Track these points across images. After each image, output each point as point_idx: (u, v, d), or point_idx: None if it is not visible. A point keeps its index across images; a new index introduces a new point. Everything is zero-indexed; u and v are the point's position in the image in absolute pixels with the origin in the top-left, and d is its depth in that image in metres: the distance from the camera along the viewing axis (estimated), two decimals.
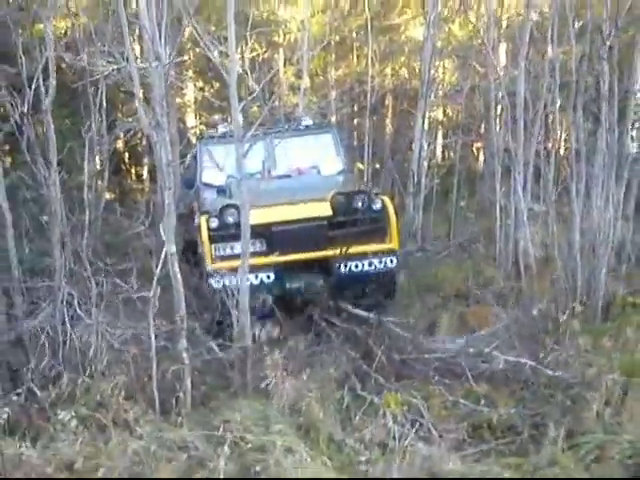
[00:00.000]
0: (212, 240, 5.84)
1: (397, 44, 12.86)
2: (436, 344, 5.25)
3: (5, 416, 3.87)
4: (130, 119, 14.73)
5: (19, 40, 6.26)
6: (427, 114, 10.08)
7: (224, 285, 5.36)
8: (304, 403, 3.92)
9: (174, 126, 10.97)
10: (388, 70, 13.29)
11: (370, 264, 5.88)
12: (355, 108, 14.62)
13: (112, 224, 8.71)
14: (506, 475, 3.06)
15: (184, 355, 4.39)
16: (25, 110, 5.92)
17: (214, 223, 5.90)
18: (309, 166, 6.94)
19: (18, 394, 4.32)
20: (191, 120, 15.12)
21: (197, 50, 12.72)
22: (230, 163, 6.49)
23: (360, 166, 10.72)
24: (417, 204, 9.02)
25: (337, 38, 12.53)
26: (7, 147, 8.91)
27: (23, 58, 6.22)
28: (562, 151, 7.61)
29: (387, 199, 6.09)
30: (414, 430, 3.53)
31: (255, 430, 3.66)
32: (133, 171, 16.87)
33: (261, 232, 5.70)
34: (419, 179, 8.97)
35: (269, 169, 6.73)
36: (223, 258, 5.76)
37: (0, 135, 6.96)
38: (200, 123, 15.53)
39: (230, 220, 5.83)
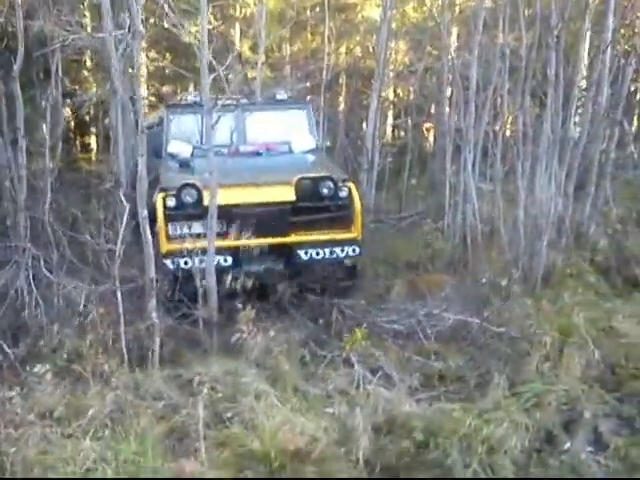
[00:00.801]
0: (168, 219, 5.63)
1: (352, 23, 13.11)
2: (388, 310, 5.65)
3: None
4: (77, 87, 14.62)
5: None
6: (381, 93, 10.40)
7: (179, 266, 5.37)
8: (271, 357, 4.26)
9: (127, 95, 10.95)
10: (343, 49, 13.59)
11: (332, 252, 5.81)
12: (309, 85, 14.92)
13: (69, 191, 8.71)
14: (455, 414, 3.45)
15: (153, 314, 4.63)
16: None
17: (171, 202, 5.71)
18: (280, 142, 6.74)
19: None
20: (142, 91, 15.04)
21: (151, 21, 12.71)
22: (197, 134, 6.61)
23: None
24: (370, 180, 9.38)
25: (293, 14, 12.73)
26: None
27: None
28: (509, 133, 8.07)
29: (353, 186, 5.98)
30: (376, 377, 3.89)
31: (226, 381, 3.97)
32: (78, 142, 16.74)
33: (221, 214, 5.45)
34: (372, 156, 9.31)
35: (237, 144, 6.56)
36: (179, 238, 5.53)
37: None
38: (151, 94, 15.52)
39: (189, 200, 5.67)
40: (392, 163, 11.28)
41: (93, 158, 16.23)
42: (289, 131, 6.84)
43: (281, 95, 7.27)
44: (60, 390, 3.83)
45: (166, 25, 7.39)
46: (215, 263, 5.37)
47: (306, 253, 5.78)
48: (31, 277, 5.27)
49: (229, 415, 3.63)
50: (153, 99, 15.43)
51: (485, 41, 7.59)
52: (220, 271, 5.36)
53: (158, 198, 5.72)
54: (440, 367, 4.29)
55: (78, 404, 3.63)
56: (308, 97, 8.19)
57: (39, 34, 8.30)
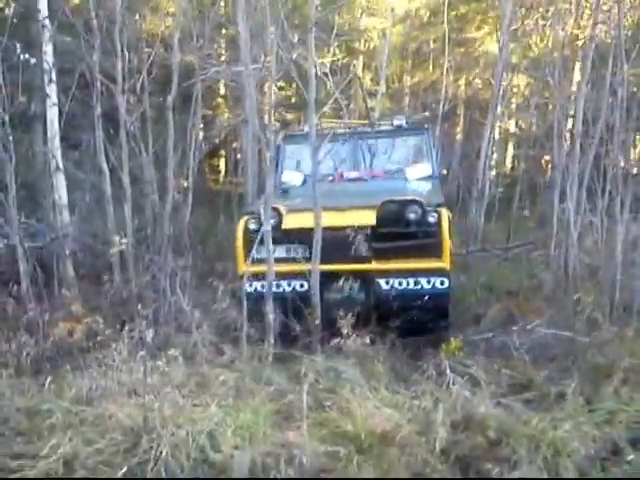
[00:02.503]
0: (247, 242, 5.68)
1: (472, 57, 13.62)
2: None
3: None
4: (210, 113, 16.07)
5: (123, 38, 7.44)
6: (496, 125, 10.86)
7: (256, 289, 5.52)
8: (367, 360, 4.90)
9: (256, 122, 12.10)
10: (462, 81, 14.13)
11: (417, 283, 5.51)
12: (428, 114, 15.55)
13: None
14: (528, 419, 3.92)
15: (270, 316, 5.37)
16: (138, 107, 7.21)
17: (252, 225, 5.78)
18: (393, 168, 6.74)
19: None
20: (268, 119, 16.32)
21: (279, 52, 13.89)
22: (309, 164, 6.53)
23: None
24: (479, 209, 9.84)
25: (414, 47, 13.47)
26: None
27: (127, 55, 7.48)
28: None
29: (444, 212, 5.62)
30: (462, 380, 4.40)
31: (327, 375, 4.66)
32: (207, 163, 18.32)
33: (300, 238, 5.56)
34: (483, 185, 9.78)
35: (342, 171, 6.74)
36: (259, 262, 5.50)
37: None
38: (276, 120, 16.78)
39: (270, 222, 5.51)
40: (504, 193, 11.66)
41: (221, 180, 17.76)
42: (405, 158, 6.88)
43: (399, 121, 7.19)
44: (190, 370, 4.70)
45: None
46: (291, 288, 5.56)
47: (387, 282, 5.56)
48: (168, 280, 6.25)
49: (328, 403, 4.31)
50: (278, 125, 16.70)
51: (597, 76, 7.85)
52: (299, 296, 5.45)
53: (241, 221, 5.90)
54: (525, 379, 4.74)
55: (205, 381, 4.47)
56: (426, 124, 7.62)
57: (185, 66, 9.61)
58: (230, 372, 4.63)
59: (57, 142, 7.30)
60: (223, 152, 18.20)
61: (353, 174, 6.75)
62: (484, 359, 5.11)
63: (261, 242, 5.45)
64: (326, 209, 5.50)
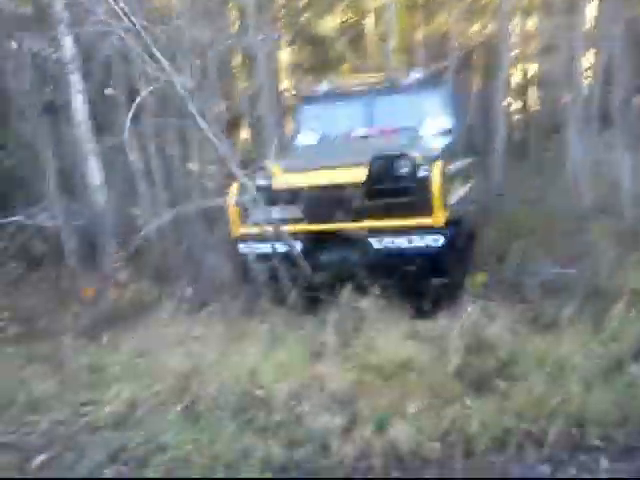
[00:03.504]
0: (242, 204, 5.65)
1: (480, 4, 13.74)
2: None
3: None
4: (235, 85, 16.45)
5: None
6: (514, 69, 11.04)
7: (251, 250, 5.51)
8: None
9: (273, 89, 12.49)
10: (476, 27, 14.25)
11: (409, 241, 5.34)
12: (444, 66, 15.70)
13: None
14: (537, 342, 4.40)
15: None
16: None
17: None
18: (408, 125, 6.47)
19: None
20: (284, 84, 16.68)
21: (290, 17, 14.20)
22: (328, 122, 6.89)
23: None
24: (498, 158, 10.13)
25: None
26: None
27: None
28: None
29: (438, 166, 5.38)
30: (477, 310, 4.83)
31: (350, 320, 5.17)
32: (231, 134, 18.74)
33: (292, 197, 5.50)
34: (501, 133, 10.07)
35: (350, 129, 6.62)
36: (255, 223, 5.52)
37: None
38: (293, 87, 17.12)
39: (262, 183, 5.64)
40: (526, 137, 11.91)
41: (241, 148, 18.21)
42: (421, 112, 6.58)
43: (414, 75, 6.92)
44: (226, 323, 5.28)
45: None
46: (286, 249, 5.48)
47: (379, 242, 5.42)
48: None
49: (354, 343, 4.85)
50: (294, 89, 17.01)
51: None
52: (292, 258, 5.46)
53: (234, 183, 5.87)
54: (537, 311, 5.19)
55: (241, 330, 5.04)
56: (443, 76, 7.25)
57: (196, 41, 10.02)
58: (262, 323, 5.18)
59: (85, 128, 7.81)
60: (244, 122, 18.56)
61: (361, 131, 6.60)
62: (501, 296, 5.54)
63: (257, 203, 5.49)
64: (322, 168, 5.54)
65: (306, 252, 5.57)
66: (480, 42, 14.10)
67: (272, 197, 5.60)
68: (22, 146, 8.08)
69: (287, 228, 5.49)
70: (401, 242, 5.36)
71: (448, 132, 6.48)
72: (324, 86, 7.31)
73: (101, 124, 7.74)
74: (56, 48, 8.05)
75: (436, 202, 5.28)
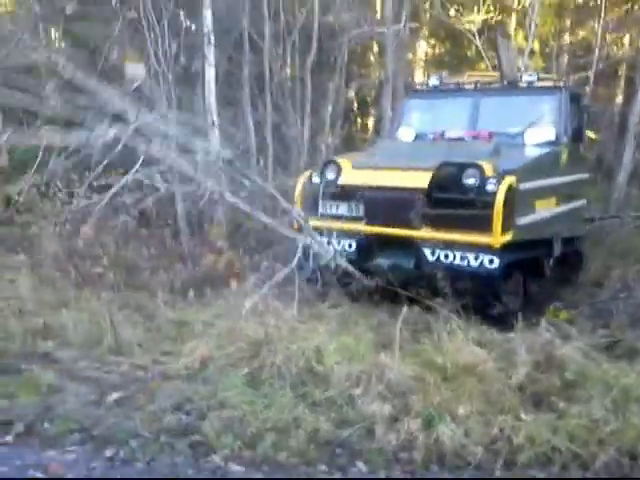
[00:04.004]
0: (309, 195, 5.80)
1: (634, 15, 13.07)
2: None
3: None
4: (362, 71, 16.74)
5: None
6: None
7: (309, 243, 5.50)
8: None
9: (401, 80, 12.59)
10: (626, 40, 13.56)
11: (463, 258, 5.09)
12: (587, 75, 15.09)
13: None
14: (606, 367, 4.31)
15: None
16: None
17: (315, 178, 5.84)
18: (511, 130, 6.09)
19: None
20: (419, 76, 16.71)
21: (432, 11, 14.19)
22: (429, 119, 6.71)
23: (591, 135, 11.15)
24: (625, 175, 9.71)
25: (574, 4, 13.12)
26: None
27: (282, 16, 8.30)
28: None
29: (508, 180, 5.02)
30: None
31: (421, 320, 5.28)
32: (359, 121, 19.01)
33: (353, 195, 5.47)
34: (629, 153, 9.63)
35: (443, 130, 6.41)
36: (323, 217, 5.63)
37: None
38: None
39: (329, 177, 5.67)
40: None
41: (368, 137, 18.45)
42: (527, 119, 6.16)
43: (529, 77, 6.50)
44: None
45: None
46: (340, 247, 5.47)
47: (433, 253, 5.20)
48: None
49: (422, 340, 4.96)
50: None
51: None
52: (346, 256, 5.46)
53: (304, 174, 5.98)
54: (617, 338, 5.06)
55: (316, 312, 5.29)
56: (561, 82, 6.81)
57: (329, 27, 10.34)
58: (333, 308, 5.40)
59: (213, 99, 8.33)
60: (373, 111, 18.78)
61: (454, 133, 6.34)
62: (583, 320, 5.43)
63: (325, 197, 5.55)
64: (390, 168, 5.43)
65: (360, 253, 5.51)
66: (629, 55, 13.46)
67: (336, 193, 5.62)
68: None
69: (345, 226, 5.48)
70: (455, 258, 5.12)
71: (550, 144, 6.07)
72: (432, 81, 7.06)
73: (225, 98, 8.21)
74: (195, 20, 8.64)
75: (496, 220, 4.92)
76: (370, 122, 19.42)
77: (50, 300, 5.32)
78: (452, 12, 14.11)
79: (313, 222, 5.58)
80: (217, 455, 3.64)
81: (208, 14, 7.98)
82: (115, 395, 4.19)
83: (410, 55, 15.15)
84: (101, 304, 4.94)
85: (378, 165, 5.63)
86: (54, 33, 11.97)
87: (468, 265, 5.03)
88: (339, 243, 5.52)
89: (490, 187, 5.00)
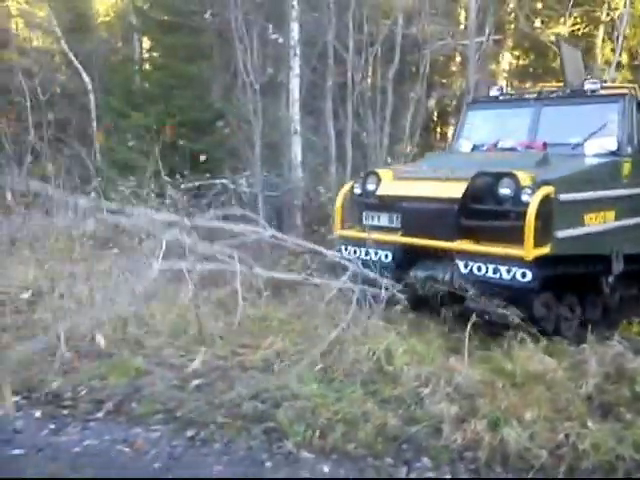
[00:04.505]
0: (349, 205, 5.88)
1: None
2: None
3: None
4: (444, 81, 16.80)
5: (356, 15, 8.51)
6: None
7: (349, 254, 5.72)
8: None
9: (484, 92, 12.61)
10: None
11: (495, 271, 4.91)
12: None
13: None
14: None
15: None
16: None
17: (357, 189, 5.90)
18: (570, 141, 5.87)
19: None
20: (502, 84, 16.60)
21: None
22: (489, 130, 6.57)
23: None
24: None
25: None
26: None
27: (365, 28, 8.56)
28: None
29: (544, 190, 4.79)
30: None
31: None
32: (439, 130, 19.07)
33: (391, 206, 5.47)
34: None
35: (497, 140, 6.28)
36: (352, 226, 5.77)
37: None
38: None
39: (370, 188, 5.71)
40: None
41: (445, 147, 18.50)
42: (589, 129, 5.89)
43: (592, 85, 6.18)
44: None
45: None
46: (377, 258, 5.50)
47: (466, 266, 5.07)
48: None
49: (493, 347, 5.07)
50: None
51: None
52: (382, 267, 5.47)
53: (348, 184, 6.05)
54: None
55: (388, 316, 5.49)
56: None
57: (411, 38, 10.53)
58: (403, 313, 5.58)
59: (297, 109, 8.68)
60: (454, 120, 18.79)
61: (507, 143, 6.19)
62: None
63: (366, 207, 5.63)
64: (428, 178, 5.39)
65: (396, 264, 5.51)
66: None
67: (374, 203, 5.67)
68: (239, 118, 9.17)
69: (382, 236, 5.53)
70: (487, 270, 4.95)
71: (611, 155, 5.79)
72: (493, 91, 6.89)
73: (308, 107, 8.53)
74: (282, 32, 9.03)
75: (528, 231, 4.70)
76: (450, 132, 19.45)
77: (140, 291, 5.71)
78: (537, 24, 14.05)
79: (355, 233, 5.78)
80: (289, 442, 3.89)
81: (295, 27, 8.34)
82: (197, 381, 4.51)
83: (493, 66, 15.14)
84: (187, 298, 5.28)
85: (416, 176, 5.61)
86: (146, 42, 12.69)
87: (500, 278, 4.89)
88: (376, 254, 5.57)
89: (525, 197, 4.83)
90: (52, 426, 4.05)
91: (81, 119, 11.78)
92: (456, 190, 5.04)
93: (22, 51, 12.83)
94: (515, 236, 4.78)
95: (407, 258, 5.48)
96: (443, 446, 3.87)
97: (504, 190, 4.91)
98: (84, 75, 11.32)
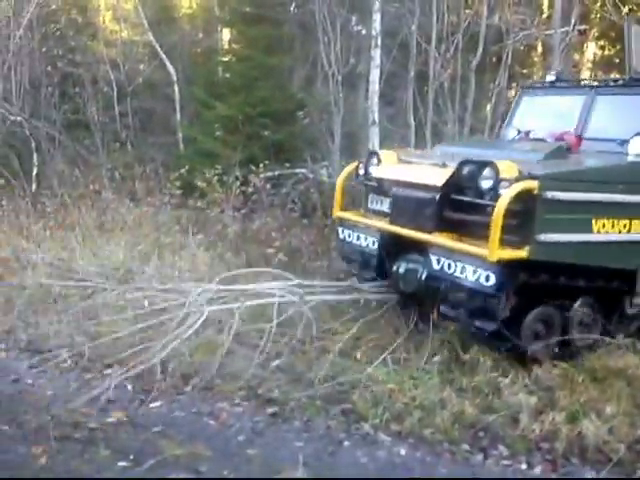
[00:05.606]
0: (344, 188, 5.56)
1: None
2: None
3: None
4: (525, 71, 16.45)
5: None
6: None
7: (344, 237, 5.49)
8: None
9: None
10: None
11: (463, 271, 4.40)
12: None
13: None
14: None
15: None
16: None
17: (361, 170, 5.52)
18: (614, 136, 5.16)
19: None
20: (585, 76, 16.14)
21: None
22: (538, 117, 6.01)
23: None
24: None
25: None
26: None
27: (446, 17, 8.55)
28: None
29: (526, 185, 4.17)
30: None
31: None
32: None
33: (383, 189, 5.20)
34: None
35: (529, 130, 5.80)
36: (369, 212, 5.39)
37: None
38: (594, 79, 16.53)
39: (370, 170, 5.38)
40: None
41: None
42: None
43: None
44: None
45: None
46: (366, 244, 5.23)
47: (438, 262, 4.58)
48: None
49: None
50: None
51: None
52: (367, 254, 5.25)
53: (350, 165, 5.74)
54: None
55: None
56: None
57: (494, 28, 10.41)
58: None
59: (376, 99, 8.75)
60: None
61: (539, 134, 5.69)
62: None
63: (371, 190, 5.31)
64: (428, 165, 4.95)
65: (380, 252, 5.17)
66: None
67: (374, 187, 5.35)
68: (319, 109, 9.34)
69: (370, 222, 5.26)
70: (455, 268, 4.46)
71: None
72: (548, 77, 6.28)
73: (387, 97, 8.60)
74: (364, 23, 9.13)
75: (495, 228, 4.11)
76: None
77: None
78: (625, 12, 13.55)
79: (351, 216, 5.51)
80: (367, 424, 4.03)
81: (377, 17, 8.40)
82: (276, 362, 4.71)
83: (577, 56, 14.74)
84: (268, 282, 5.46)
85: (417, 160, 5.17)
86: (229, 34, 13.01)
87: (465, 279, 4.39)
88: (366, 239, 5.25)
89: (502, 191, 4.24)
90: (142, 397, 4.32)
91: (165, 109, 12.18)
92: (439, 178, 4.59)
93: (109, 43, 13.35)
94: (482, 233, 4.28)
95: (392, 248, 5.08)
96: (520, 436, 3.93)
97: (484, 181, 4.38)
98: (169, 66, 11.68)
